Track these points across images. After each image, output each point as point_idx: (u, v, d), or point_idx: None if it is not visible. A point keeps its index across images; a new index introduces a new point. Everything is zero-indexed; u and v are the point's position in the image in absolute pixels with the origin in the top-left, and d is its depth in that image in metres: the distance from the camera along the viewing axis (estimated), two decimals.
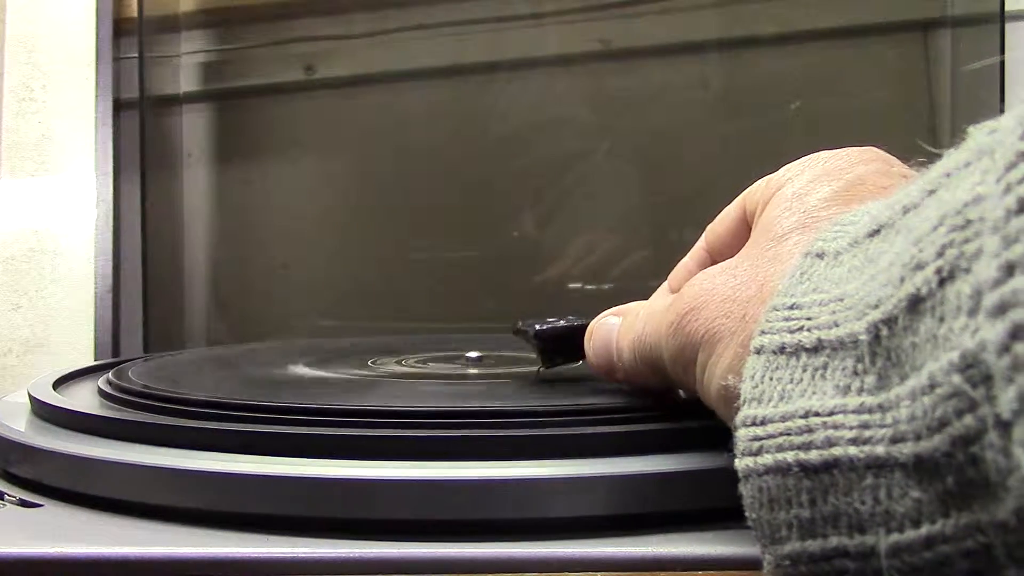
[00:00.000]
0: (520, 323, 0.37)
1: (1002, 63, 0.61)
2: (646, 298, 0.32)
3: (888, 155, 0.26)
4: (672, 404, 0.31)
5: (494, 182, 0.71)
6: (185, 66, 0.74)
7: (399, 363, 0.46)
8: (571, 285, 0.67)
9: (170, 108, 0.74)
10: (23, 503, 0.28)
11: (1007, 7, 0.61)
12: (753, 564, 0.23)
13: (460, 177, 0.72)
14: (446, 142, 0.72)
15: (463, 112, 0.72)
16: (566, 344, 0.35)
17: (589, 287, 0.67)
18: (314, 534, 0.25)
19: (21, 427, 0.32)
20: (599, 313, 0.33)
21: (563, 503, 0.25)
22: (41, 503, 0.28)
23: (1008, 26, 0.61)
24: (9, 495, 0.29)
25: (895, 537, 0.17)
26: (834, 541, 0.18)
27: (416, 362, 0.46)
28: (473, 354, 0.45)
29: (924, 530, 0.16)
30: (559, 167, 0.69)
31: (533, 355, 0.38)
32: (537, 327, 0.36)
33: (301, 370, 0.43)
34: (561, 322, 0.35)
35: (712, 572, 0.23)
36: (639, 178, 0.69)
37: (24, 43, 0.67)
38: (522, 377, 0.40)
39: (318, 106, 0.74)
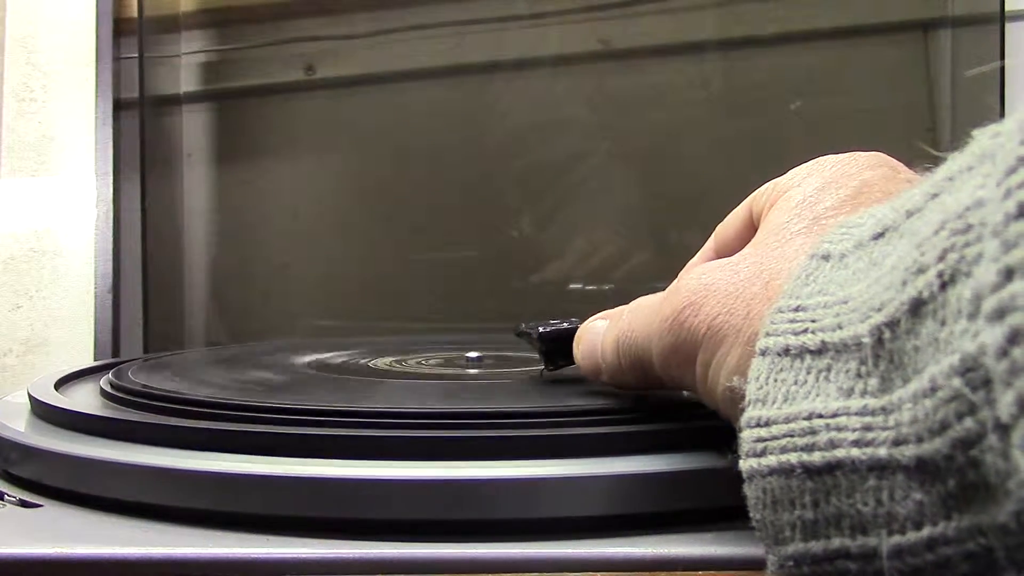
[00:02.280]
0: (523, 325, 0.37)
1: (1002, 64, 0.61)
2: None
3: (895, 161, 0.26)
4: (671, 404, 0.31)
5: (494, 182, 0.71)
6: (185, 66, 0.74)
7: (399, 363, 0.46)
8: (572, 285, 0.67)
9: (170, 108, 0.73)
10: (23, 503, 0.28)
11: (1007, 7, 0.61)
12: (753, 564, 0.23)
13: (460, 177, 0.72)
14: (446, 142, 0.72)
15: (463, 112, 0.72)
16: (569, 346, 0.35)
17: (590, 287, 0.67)
18: (314, 534, 0.25)
19: (21, 427, 0.32)
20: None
21: (563, 503, 0.25)
22: (41, 503, 0.28)
23: (1008, 26, 0.61)
24: (9, 495, 0.29)
25: (897, 539, 0.17)
26: (837, 542, 0.18)
27: (416, 362, 0.46)
28: (473, 354, 0.45)
29: (926, 532, 0.16)
30: (559, 167, 0.69)
31: (533, 355, 0.38)
32: (540, 329, 0.36)
33: (301, 370, 0.43)
34: (564, 324, 0.35)
35: (712, 572, 0.23)
36: (639, 178, 0.69)
37: (24, 43, 0.67)
38: (522, 377, 0.40)
39: (318, 106, 0.74)
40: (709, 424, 0.27)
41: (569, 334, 0.35)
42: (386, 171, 0.73)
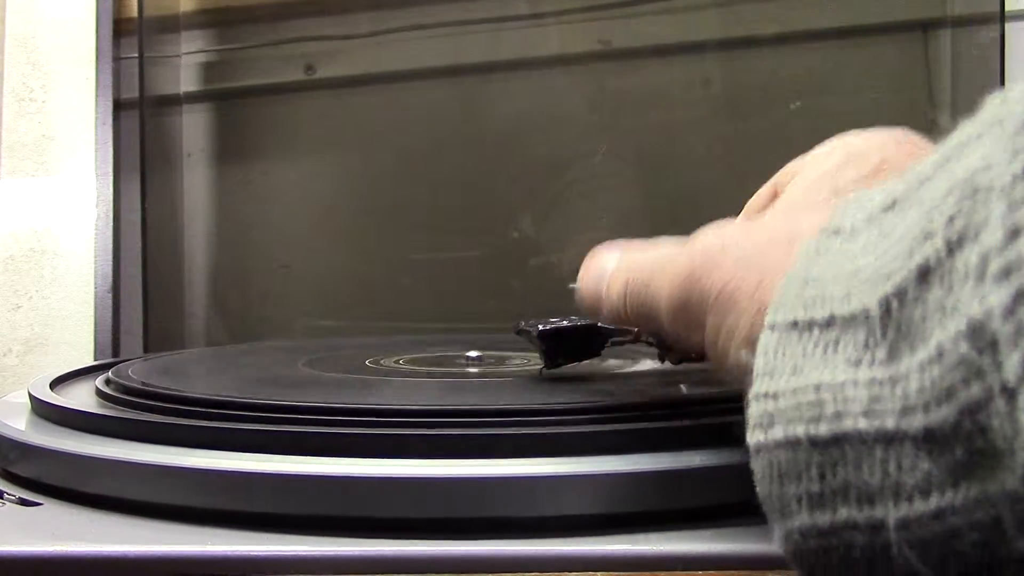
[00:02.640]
0: (523, 323, 0.37)
1: (1002, 63, 0.61)
2: None
3: (918, 136, 0.26)
4: (673, 402, 0.31)
5: (494, 182, 0.71)
6: (185, 66, 0.74)
7: (399, 363, 0.46)
8: (571, 285, 0.67)
9: (170, 108, 0.73)
10: (23, 502, 0.28)
11: (1007, 7, 0.61)
12: (753, 563, 0.23)
13: (460, 177, 0.71)
14: (446, 142, 0.72)
15: (463, 112, 0.72)
16: (569, 344, 0.35)
17: None
18: (314, 533, 0.25)
19: (21, 426, 0.32)
20: None
21: (563, 501, 0.25)
22: (41, 502, 0.28)
23: (1008, 26, 0.61)
24: (9, 494, 0.29)
25: (904, 509, 0.17)
26: (843, 514, 0.18)
27: (416, 362, 0.46)
28: (473, 354, 0.45)
29: (933, 502, 0.16)
30: (559, 167, 0.69)
31: (533, 354, 0.38)
32: (540, 327, 0.36)
33: (301, 369, 0.43)
34: (564, 322, 0.35)
35: (712, 571, 0.23)
36: (639, 178, 0.69)
37: (24, 43, 0.67)
38: (522, 376, 0.40)
39: (318, 106, 0.74)
40: (711, 422, 0.27)
41: (569, 332, 0.35)
42: (386, 171, 0.72)
